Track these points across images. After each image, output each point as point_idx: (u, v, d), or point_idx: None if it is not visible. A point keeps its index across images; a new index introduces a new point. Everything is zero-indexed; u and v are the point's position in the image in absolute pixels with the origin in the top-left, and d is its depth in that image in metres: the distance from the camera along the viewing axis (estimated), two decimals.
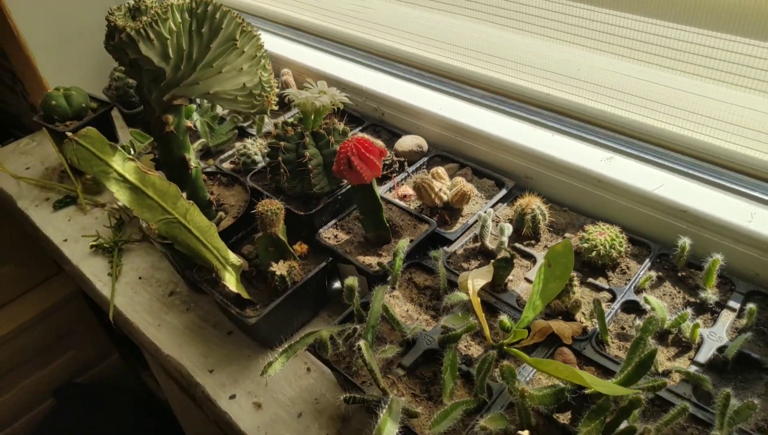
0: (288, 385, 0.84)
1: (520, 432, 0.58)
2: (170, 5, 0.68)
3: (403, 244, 0.82)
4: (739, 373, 0.70)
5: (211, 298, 0.98)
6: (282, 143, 0.88)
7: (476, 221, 0.91)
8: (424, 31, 1.08)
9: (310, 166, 0.87)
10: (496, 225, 0.89)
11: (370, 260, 0.86)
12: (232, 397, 0.83)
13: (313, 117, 0.89)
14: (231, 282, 0.79)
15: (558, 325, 0.75)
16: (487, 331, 0.75)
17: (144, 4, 0.71)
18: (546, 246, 0.89)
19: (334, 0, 1.20)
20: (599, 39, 0.82)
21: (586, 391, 0.67)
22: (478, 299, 0.76)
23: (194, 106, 1.09)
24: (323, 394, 0.82)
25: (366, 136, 0.92)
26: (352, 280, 0.76)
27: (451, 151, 1.06)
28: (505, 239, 0.85)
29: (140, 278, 1.03)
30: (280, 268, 0.82)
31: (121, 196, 0.70)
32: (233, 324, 0.93)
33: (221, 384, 0.85)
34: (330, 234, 0.91)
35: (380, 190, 0.91)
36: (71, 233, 1.14)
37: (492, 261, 0.81)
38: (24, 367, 1.87)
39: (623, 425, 0.62)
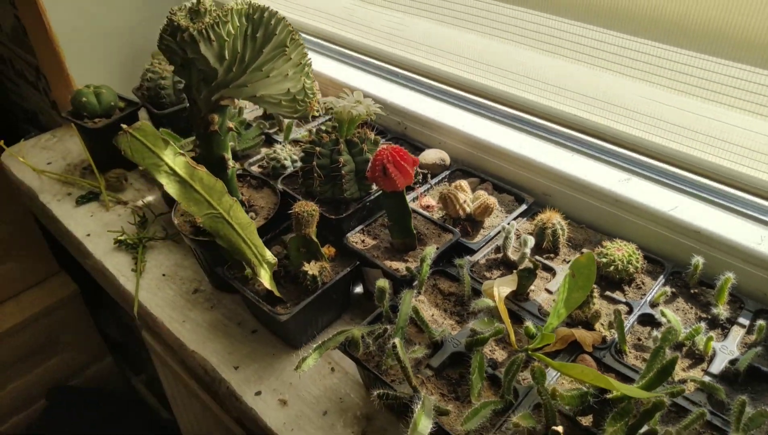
0: (312, 383, 0.86)
1: (554, 428, 0.61)
2: (230, 9, 0.71)
3: (431, 251, 0.85)
4: (749, 384, 0.74)
5: (234, 297, 1.00)
6: (318, 149, 0.91)
7: (498, 232, 0.95)
8: (451, 48, 1.12)
9: (343, 171, 0.91)
10: (517, 238, 0.93)
11: (397, 265, 0.89)
12: (258, 393, 0.85)
13: (347, 125, 0.93)
14: (265, 278, 0.82)
15: (580, 334, 0.79)
16: (512, 337, 0.78)
17: (203, 6, 0.74)
18: (565, 260, 0.93)
19: (373, 17, 1.24)
20: (624, 63, 0.87)
21: (608, 396, 0.70)
22: (504, 306, 0.80)
23: None
24: (347, 394, 0.84)
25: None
26: (383, 282, 0.79)
27: (472, 166, 1.10)
28: (528, 251, 0.89)
29: (164, 275, 1.05)
30: (312, 268, 0.84)
31: (170, 189, 0.73)
32: (258, 322, 0.95)
33: (246, 380, 0.87)
34: (357, 239, 0.94)
35: None
36: (94, 228, 1.15)
37: (516, 270, 0.85)
38: (18, 367, 1.85)
39: (645, 428, 0.65)
